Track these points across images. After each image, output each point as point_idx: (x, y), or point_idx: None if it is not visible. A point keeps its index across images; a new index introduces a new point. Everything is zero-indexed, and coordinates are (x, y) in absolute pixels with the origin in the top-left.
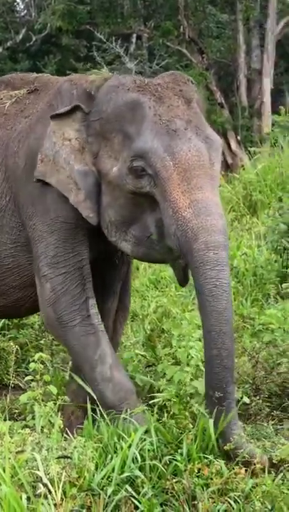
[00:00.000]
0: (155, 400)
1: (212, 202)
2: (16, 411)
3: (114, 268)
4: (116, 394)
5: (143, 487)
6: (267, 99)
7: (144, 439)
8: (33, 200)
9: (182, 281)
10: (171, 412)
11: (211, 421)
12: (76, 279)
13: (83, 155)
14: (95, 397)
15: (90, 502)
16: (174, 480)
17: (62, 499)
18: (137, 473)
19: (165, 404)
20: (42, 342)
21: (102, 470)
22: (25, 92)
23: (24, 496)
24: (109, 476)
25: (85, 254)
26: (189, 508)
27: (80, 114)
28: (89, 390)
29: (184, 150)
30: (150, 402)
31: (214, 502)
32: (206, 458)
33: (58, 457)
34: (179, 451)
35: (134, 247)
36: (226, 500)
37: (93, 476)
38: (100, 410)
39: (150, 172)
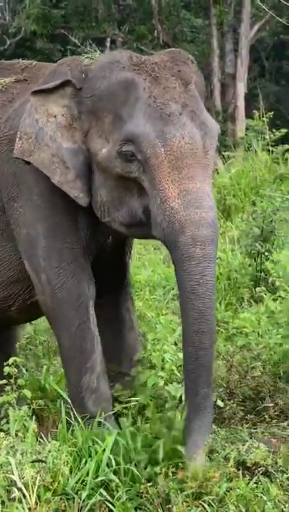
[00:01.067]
0: (129, 404)
1: (203, 193)
2: None
3: (121, 254)
4: (97, 405)
5: (117, 491)
6: (241, 103)
7: (119, 443)
8: (15, 180)
9: None
10: (146, 416)
11: (183, 424)
12: (72, 273)
13: (71, 132)
14: (72, 402)
15: (65, 506)
16: (149, 484)
17: (36, 503)
18: (112, 477)
19: (141, 408)
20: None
21: (76, 474)
22: (13, 81)
23: None
24: (83, 480)
25: (79, 243)
26: None
27: (71, 90)
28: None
29: (177, 137)
30: (125, 406)
31: (188, 506)
32: (181, 462)
33: (33, 461)
34: (153, 455)
35: (127, 229)
36: (200, 504)
37: (68, 480)
38: (74, 414)
39: (140, 158)
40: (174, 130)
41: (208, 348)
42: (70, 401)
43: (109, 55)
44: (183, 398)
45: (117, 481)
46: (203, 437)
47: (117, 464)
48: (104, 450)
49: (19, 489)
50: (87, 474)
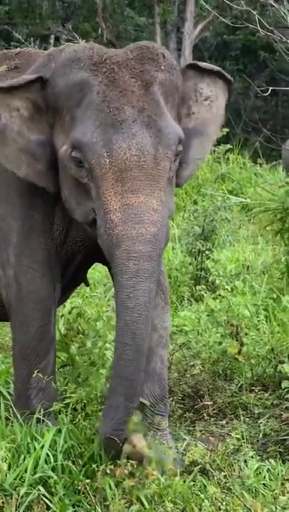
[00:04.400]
0: (68, 401)
1: (145, 207)
2: None
3: None
4: (42, 404)
5: (56, 488)
6: None
7: (57, 440)
8: None
9: None
10: (84, 413)
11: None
12: (40, 275)
13: (36, 124)
14: (16, 397)
15: (3, 502)
16: (87, 480)
17: None
18: (50, 473)
19: (82, 405)
20: None
21: (15, 470)
22: (5, 70)
23: None
24: (22, 477)
25: (53, 243)
26: (101, 509)
27: (39, 84)
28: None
29: (123, 148)
30: (64, 402)
31: (126, 503)
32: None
33: None
34: (92, 451)
35: (88, 228)
36: (138, 501)
37: (6, 476)
38: (13, 411)
39: (86, 166)
40: (122, 140)
41: (130, 360)
42: (12, 396)
43: (73, 51)
44: None
45: (55, 477)
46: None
47: (56, 460)
48: (42, 446)
49: None
50: (26, 471)
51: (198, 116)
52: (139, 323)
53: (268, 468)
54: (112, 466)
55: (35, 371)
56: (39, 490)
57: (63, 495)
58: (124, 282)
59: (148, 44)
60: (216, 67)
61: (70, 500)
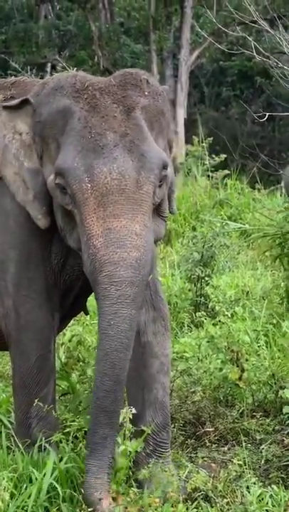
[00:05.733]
0: (69, 429)
1: (127, 232)
2: None
3: None
4: (43, 433)
5: None
6: (180, 129)
7: (58, 469)
8: None
9: None
10: (85, 441)
11: (126, 449)
12: (39, 304)
13: (32, 152)
14: (17, 426)
15: None
16: (90, 509)
17: None
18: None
19: (84, 433)
20: None
21: (17, 500)
22: (1, 100)
23: None
24: (24, 506)
25: (51, 272)
26: None
27: (31, 109)
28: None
29: (104, 172)
30: (65, 431)
31: None
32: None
33: None
34: None
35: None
36: None
37: (8, 505)
38: (15, 440)
39: (69, 192)
40: (102, 165)
41: (109, 391)
42: (13, 425)
43: (57, 80)
44: (124, 423)
45: (59, 505)
46: (100, 479)
47: (58, 489)
48: (44, 475)
49: None
50: (28, 498)
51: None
52: (119, 352)
53: (271, 495)
54: (114, 494)
55: (36, 400)
56: None
57: None
58: (106, 308)
59: (132, 71)
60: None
61: None
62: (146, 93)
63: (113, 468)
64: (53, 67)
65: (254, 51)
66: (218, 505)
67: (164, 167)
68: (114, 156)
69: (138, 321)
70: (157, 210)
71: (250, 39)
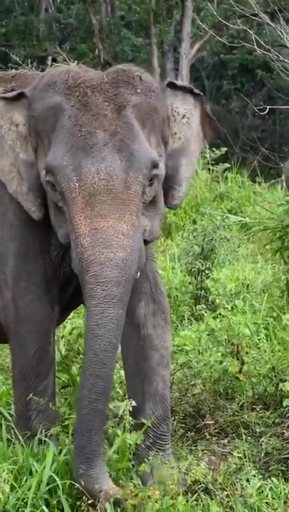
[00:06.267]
0: (69, 422)
1: (114, 232)
2: None
3: None
4: (43, 425)
5: (59, 508)
6: None
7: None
8: None
9: None
10: None
11: (128, 442)
12: (38, 296)
13: (28, 144)
14: (17, 419)
15: None
16: (89, 501)
17: None
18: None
19: None
20: None
21: (17, 492)
22: (1, 92)
23: None
24: (24, 498)
25: (50, 264)
26: None
27: (27, 103)
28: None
29: (92, 172)
30: (64, 423)
31: None
32: (121, 479)
33: None
34: None
35: None
36: None
37: (8, 497)
38: (15, 432)
39: (59, 190)
40: (90, 164)
41: (102, 392)
42: (13, 418)
43: (51, 76)
44: (124, 415)
45: (59, 497)
46: (96, 487)
47: (55, 480)
48: (44, 467)
49: None
50: (29, 490)
51: (180, 135)
52: (108, 352)
53: (271, 487)
54: (114, 486)
55: (35, 392)
56: (42, 511)
57: None
58: (93, 308)
59: (125, 67)
60: (186, 84)
61: None
62: (138, 90)
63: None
64: (54, 60)
65: (255, 44)
66: (218, 497)
67: (154, 166)
68: (102, 155)
69: (138, 314)
70: (151, 208)
71: (251, 32)
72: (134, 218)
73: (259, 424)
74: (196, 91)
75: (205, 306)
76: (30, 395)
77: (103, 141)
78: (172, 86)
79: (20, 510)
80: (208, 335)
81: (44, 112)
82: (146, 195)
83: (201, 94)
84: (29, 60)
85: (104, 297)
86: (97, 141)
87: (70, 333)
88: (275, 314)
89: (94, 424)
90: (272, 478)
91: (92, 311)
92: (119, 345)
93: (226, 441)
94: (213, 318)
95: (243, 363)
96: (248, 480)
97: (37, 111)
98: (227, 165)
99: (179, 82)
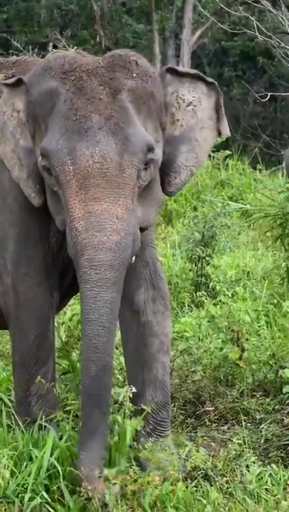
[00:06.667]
0: (69, 408)
1: (108, 215)
2: None
3: None
4: (43, 410)
5: (59, 494)
6: None
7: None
8: None
9: None
10: None
11: (128, 428)
12: (38, 282)
13: (27, 131)
14: (17, 405)
15: (5, 509)
16: (89, 487)
17: None
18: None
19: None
20: None
21: (17, 477)
22: (3, 79)
23: None
24: (24, 484)
25: (50, 250)
26: None
27: (25, 88)
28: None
29: (86, 155)
30: (65, 409)
31: (128, 509)
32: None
33: None
34: None
35: None
36: (140, 507)
37: (8, 483)
38: (15, 418)
39: (53, 174)
40: (85, 147)
41: (95, 377)
42: (13, 404)
43: (47, 61)
44: (124, 402)
45: (59, 483)
46: (93, 468)
47: (56, 466)
48: (44, 453)
49: None
50: (29, 476)
51: (182, 123)
52: (101, 337)
53: (270, 474)
54: (114, 472)
55: (35, 378)
56: (42, 497)
57: (66, 501)
58: (87, 292)
59: (121, 52)
60: (193, 71)
61: (72, 507)
62: (134, 75)
63: (107, 458)
64: (55, 47)
65: (256, 31)
66: (217, 483)
67: (150, 150)
68: (97, 139)
69: (137, 301)
70: (146, 195)
71: (253, 19)
72: (129, 202)
73: (259, 411)
74: (209, 79)
75: (205, 293)
76: (31, 380)
77: (98, 124)
78: (174, 72)
79: (20, 495)
80: (209, 322)
81: (40, 97)
82: (142, 180)
83: (214, 82)
84: (30, 47)
85: (98, 281)
86: (92, 124)
87: (70, 320)
88: (275, 301)
89: (91, 410)
90: (272, 465)
91: (86, 295)
92: (117, 331)
93: (225, 427)
94: (214, 305)
95: (243, 350)
96: (247, 466)
97: (34, 96)
98: (228, 152)
99: (181, 68)
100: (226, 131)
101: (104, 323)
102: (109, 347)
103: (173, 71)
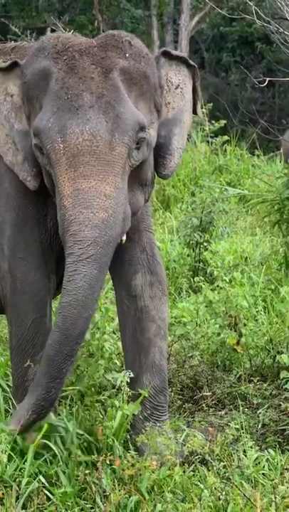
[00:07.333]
0: (67, 393)
1: (96, 193)
2: None
3: (128, 240)
4: None
5: (56, 478)
6: None
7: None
8: None
9: None
10: (83, 404)
11: (124, 413)
12: (35, 267)
13: (22, 114)
14: (15, 389)
15: (3, 493)
16: (87, 471)
17: None
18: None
19: (81, 396)
20: None
21: (14, 462)
22: (2, 62)
23: None
24: (21, 468)
25: (47, 235)
26: (101, 500)
27: (19, 71)
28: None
29: (76, 133)
30: (62, 394)
31: (126, 493)
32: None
33: None
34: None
35: None
36: (138, 491)
37: (6, 467)
38: (13, 402)
39: (44, 152)
40: (75, 125)
41: (55, 342)
42: (11, 389)
43: (40, 41)
44: (121, 386)
45: (56, 468)
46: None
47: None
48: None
49: None
50: (26, 461)
51: (174, 105)
52: (72, 308)
53: (267, 458)
54: (111, 457)
55: (32, 363)
56: (39, 481)
57: (63, 486)
58: (69, 266)
59: (115, 32)
60: (181, 54)
61: (70, 491)
62: (126, 55)
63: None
64: (53, 32)
65: (255, 16)
66: (214, 468)
67: (141, 129)
68: (87, 116)
69: (134, 286)
70: (136, 178)
71: (251, 4)
72: (118, 180)
73: (256, 396)
74: (191, 62)
75: (203, 279)
76: (28, 365)
77: (89, 103)
78: (167, 55)
79: (17, 480)
80: (206, 307)
81: (34, 77)
82: (134, 159)
83: (195, 65)
84: (28, 32)
85: (80, 255)
86: (83, 103)
87: None
88: (272, 287)
89: (46, 369)
90: (269, 450)
91: (68, 269)
92: (115, 316)
93: (223, 412)
94: (211, 290)
95: (240, 335)
96: (244, 451)
97: (27, 76)
98: (226, 137)
99: (174, 52)
100: (199, 113)
101: (79, 296)
102: (78, 320)
103: (166, 54)
